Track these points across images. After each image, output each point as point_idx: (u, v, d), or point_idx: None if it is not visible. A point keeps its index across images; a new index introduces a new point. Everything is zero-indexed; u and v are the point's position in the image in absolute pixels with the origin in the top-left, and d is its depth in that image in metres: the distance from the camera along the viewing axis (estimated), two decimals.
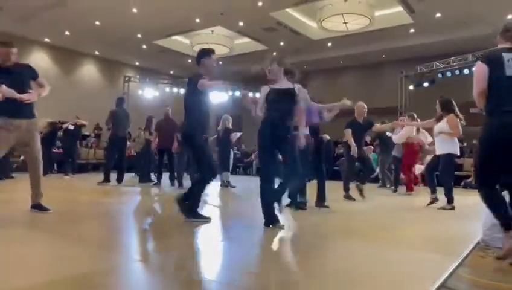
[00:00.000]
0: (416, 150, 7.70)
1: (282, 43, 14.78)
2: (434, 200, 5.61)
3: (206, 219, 3.77)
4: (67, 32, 13.90)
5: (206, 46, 15.08)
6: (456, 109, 5.52)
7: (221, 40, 14.65)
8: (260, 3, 11.22)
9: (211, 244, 3.12)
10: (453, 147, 5.46)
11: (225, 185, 8.12)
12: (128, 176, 8.73)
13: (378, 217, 4.87)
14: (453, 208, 5.36)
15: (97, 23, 12.93)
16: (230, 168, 8.68)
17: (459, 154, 5.65)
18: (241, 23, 13.04)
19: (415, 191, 7.58)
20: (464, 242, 3.18)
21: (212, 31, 14.09)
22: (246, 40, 14.73)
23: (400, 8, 11.51)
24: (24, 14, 12.08)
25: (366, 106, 6.49)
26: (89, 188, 7.44)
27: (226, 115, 8.50)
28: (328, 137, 5.93)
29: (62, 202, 5.32)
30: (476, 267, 2.49)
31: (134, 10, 11.85)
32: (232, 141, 8.58)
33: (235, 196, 7.24)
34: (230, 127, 8.39)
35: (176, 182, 7.96)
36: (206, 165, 3.84)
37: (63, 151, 10.54)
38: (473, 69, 12.43)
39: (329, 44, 14.64)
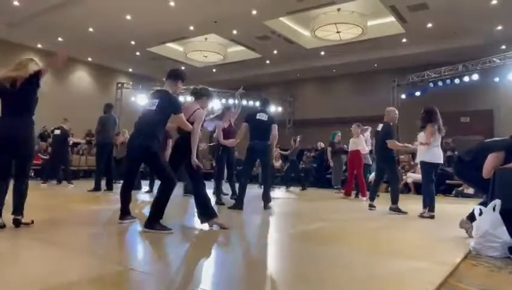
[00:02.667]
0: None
1: (275, 52, 14.85)
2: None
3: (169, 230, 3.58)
4: (60, 38, 13.83)
5: (199, 54, 15.21)
6: (438, 118, 5.46)
7: (214, 48, 14.69)
8: (254, 12, 11.28)
9: (202, 252, 3.10)
10: (428, 155, 5.39)
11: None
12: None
13: (365, 225, 4.87)
14: (432, 217, 5.22)
15: (90, 29, 12.91)
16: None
17: (437, 162, 5.45)
18: (234, 31, 13.09)
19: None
20: (455, 250, 3.19)
21: (206, 39, 14.13)
22: (240, 48, 14.77)
23: (392, 18, 11.65)
24: (17, 19, 12.02)
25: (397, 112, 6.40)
26: (79, 195, 7.35)
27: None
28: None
29: (51, 209, 5.26)
30: (467, 276, 2.50)
31: (128, 17, 11.86)
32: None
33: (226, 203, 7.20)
34: None
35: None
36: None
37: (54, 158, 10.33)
38: (464, 79, 12.59)
39: (322, 53, 14.74)
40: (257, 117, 5.72)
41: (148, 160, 3.90)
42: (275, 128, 5.79)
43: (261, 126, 5.69)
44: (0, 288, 1.95)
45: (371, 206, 6.16)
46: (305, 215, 5.67)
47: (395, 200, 5.78)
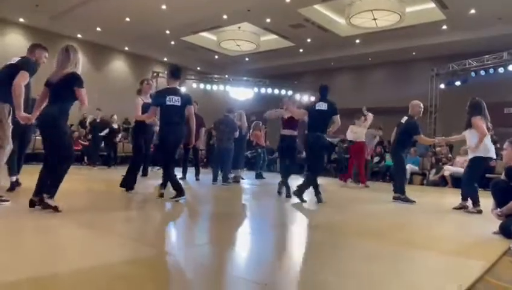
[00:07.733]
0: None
1: (309, 40, 14.65)
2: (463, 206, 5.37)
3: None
4: (98, 28, 14.27)
5: (232, 43, 15.23)
6: (486, 112, 5.23)
7: (247, 37, 14.67)
8: (288, 0, 11.15)
9: (233, 238, 3.15)
10: (482, 150, 5.12)
11: (237, 180, 8.12)
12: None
13: (400, 218, 4.77)
14: (479, 212, 5.07)
15: (127, 19, 13.21)
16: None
17: (490, 156, 5.21)
18: (268, 20, 13.00)
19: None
20: (494, 247, 3.07)
21: (239, 28, 14.13)
22: (273, 36, 14.68)
23: (432, 4, 11.19)
24: (58, 10, 12.48)
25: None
26: (116, 180, 7.60)
27: (241, 110, 8.35)
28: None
29: (88, 193, 5.49)
30: (505, 274, 2.41)
31: (163, 7, 12.03)
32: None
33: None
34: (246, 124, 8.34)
35: (199, 177, 8.03)
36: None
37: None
38: (509, 68, 11.84)
39: (358, 41, 14.39)
40: (316, 108, 5.41)
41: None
42: (337, 118, 5.47)
43: (319, 117, 5.36)
44: (38, 266, 2.06)
45: (396, 198, 6.01)
46: (335, 205, 5.62)
47: (400, 191, 5.96)
